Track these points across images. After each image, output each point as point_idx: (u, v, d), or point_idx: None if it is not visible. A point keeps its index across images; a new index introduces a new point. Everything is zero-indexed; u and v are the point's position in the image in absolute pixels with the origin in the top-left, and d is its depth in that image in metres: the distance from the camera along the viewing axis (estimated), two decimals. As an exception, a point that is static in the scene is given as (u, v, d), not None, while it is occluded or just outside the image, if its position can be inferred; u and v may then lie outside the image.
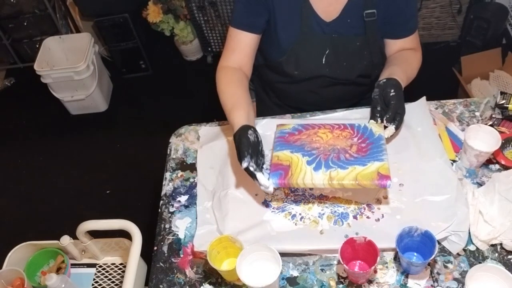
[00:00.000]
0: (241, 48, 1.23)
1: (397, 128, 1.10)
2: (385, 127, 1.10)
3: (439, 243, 0.99)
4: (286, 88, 1.34)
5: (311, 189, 1.10)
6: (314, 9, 1.17)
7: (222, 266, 1.00)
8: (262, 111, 1.47)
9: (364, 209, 1.05)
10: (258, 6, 1.18)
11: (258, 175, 0.98)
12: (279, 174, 0.99)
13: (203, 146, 1.23)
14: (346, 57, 1.23)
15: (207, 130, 1.29)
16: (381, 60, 1.26)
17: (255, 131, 1.04)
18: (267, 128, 1.22)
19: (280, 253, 0.92)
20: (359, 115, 1.24)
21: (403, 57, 1.23)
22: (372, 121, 1.11)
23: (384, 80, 1.11)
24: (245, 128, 1.02)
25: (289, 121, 1.19)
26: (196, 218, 1.10)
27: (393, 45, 1.26)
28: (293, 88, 1.33)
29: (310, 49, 1.22)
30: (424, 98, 1.23)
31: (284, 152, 1.04)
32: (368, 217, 1.03)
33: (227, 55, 1.24)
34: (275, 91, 1.41)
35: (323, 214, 1.05)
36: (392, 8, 1.17)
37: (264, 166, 1.05)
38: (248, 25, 1.21)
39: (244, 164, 0.97)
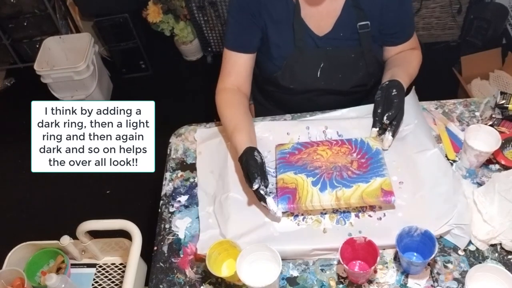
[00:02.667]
0: (237, 70, 1.23)
1: (394, 134, 1.11)
2: (384, 129, 1.11)
3: (439, 242, 0.99)
4: (283, 97, 1.35)
5: None
6: (307, 24, 1.17)
7: (223, 268, 1.00)
8: (260, 112, 1.47)
9: (366, 208, 1.05)
10: (250, 26, 1.18)
11: (268, 199, 0.99)
12: (287, 198, 1.02)
13: (202, 152, 1.23)
14: (342, 69, 1.23)
15: (202, 132, 1.28)
16: (377, 69, 1.27)
17: (259, 152, 1.05)
18: (265, 130, 1.22)
19: (282, 257, 0.92)
20: (355, 114, 1.24)
21: (403, 58, 1.24)
22: (373, 129, 1.13)
23: (387, 82, 1.13)
24: (250, 151, 1.04)
25: (289, 141, 1.20)
26: (197, 218, 1.10)
27: (392, 51, 1.27)
28: (290, 98, 1.33)
29: (304, 63, 1.21)
30: (413, 88, 1.23)
31: (288, 174, 1.07)
32: (370, 216, 1.03)
33: (224, 78, 1.24)
34: (271, 98, 1.41)
35: (325, 213, 1.05)
36: (387, 17, 1.17)
37: (268, 187, 1.06)
38: (242, 47, 1.21)
39: (255, 186, 0.98)
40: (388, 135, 1.11)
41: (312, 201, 1.01)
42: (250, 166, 1.00)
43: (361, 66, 1.23)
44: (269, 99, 1.43)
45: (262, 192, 0.99)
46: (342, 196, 1.01)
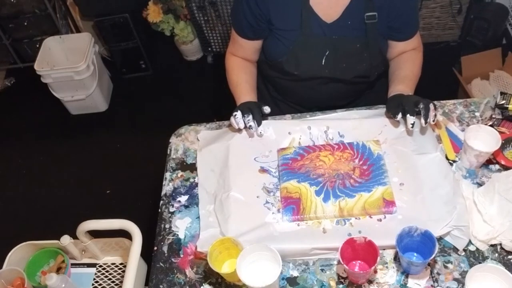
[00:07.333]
0: (243, 52, 1.33)
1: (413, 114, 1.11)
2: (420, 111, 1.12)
3: (439, 243, 0.99)
4: (286, 84, 1.36)
5: None
6: (315, 11, 1.18)
7: (223, 267, 1.00)
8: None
9: (366, 209, 1.05)
10: (256, 22, 1.22)
11: (237, 114, 1.16)
12: (292, 209, 1.05)
13: (203, 149, 1.23)
14: (346, 59, 1.23)
15: (206, 133, 1.28)
16: (380, 63, 1.27)
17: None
18: (266, 128, 1.22)
19: (282, 257, 0.92)
20: (357, 115, 1.24)
21: (409, 60, 1.27)
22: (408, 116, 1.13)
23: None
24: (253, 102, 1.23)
25: (290, 141, 1.21)
26: (197, 218, 1.10)
27: (395, 47, 1.28)
28: (293, 85, 1.34)
29: (310, 50, 1.22)
30: None
31: (291, 182, 1.09)
32: (370, 217, 1.03)
33: (232, 49, 1.34)
34: (274, 85, 1.42)
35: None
36: (394, 11, 1.18)
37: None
38: (249, 36, 1.27)
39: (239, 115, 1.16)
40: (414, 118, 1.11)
41: (316, 212, 1.04)
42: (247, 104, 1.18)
43: (365, 57, 1.23)
44: (270, 88, 1.44)
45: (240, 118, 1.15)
46: (345, 207, 1.04)
